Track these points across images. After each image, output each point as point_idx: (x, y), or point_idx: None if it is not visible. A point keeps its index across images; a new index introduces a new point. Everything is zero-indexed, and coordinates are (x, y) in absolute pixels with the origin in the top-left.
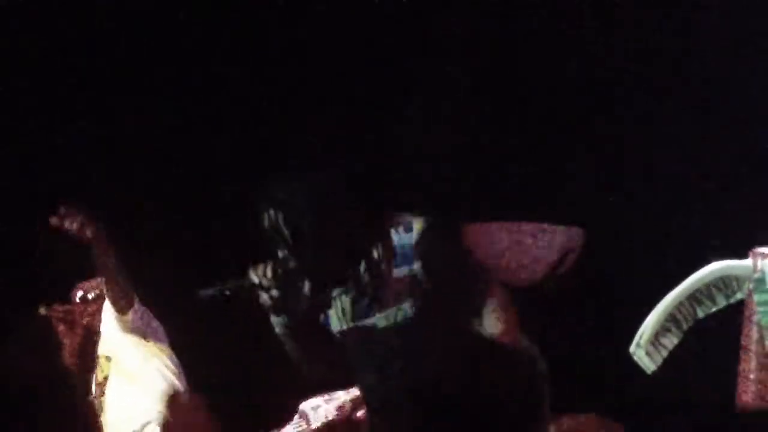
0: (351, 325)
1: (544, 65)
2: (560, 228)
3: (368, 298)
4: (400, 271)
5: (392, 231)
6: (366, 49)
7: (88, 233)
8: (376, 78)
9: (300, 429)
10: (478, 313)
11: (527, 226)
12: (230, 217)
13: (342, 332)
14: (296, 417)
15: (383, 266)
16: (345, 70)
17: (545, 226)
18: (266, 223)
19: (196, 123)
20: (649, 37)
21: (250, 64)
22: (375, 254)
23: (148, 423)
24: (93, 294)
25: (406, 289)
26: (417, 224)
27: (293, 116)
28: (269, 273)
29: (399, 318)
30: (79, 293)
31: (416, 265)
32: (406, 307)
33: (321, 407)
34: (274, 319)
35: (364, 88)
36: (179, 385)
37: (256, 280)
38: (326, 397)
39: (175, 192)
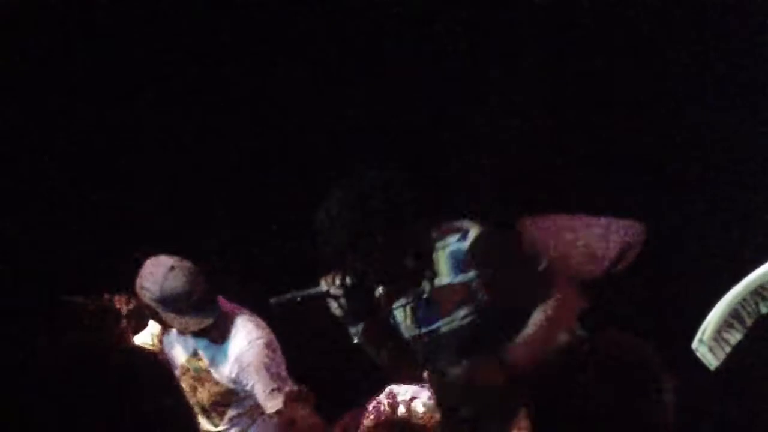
0: (419, 332)
1: (601, 66)
2: (621, 222)
3: (431, 305)
4: (457, 279)
5: (449, 238)
6: (419, 55)
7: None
8: (432, 82)
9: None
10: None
11: (588, 220)
12: (296, 227)
13: (413, 338)
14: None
15: (439, 275)
16: (402, 75)
17: (606, 220)
18: (330, 232)
19: (256, 131)
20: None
21: (306, 75)
22: (434, 262)
23: None
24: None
25: (463, 297)
26: (473, 231)
27: (353, 123)
28: (338, 281)
29: (456, 325)
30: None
31: (471, 273)
32: (464, 314)
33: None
34: (350, 329)
35: (420, 92)
36: None
37: (325, 288)
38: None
39: (241, 201)
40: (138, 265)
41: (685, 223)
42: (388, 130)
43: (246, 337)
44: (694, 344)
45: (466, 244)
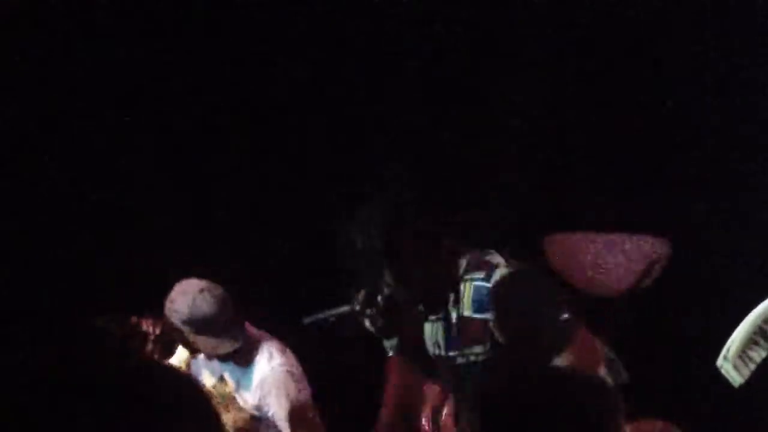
0: (441, 353)
1: (621, 73)
2: (646, 238)
3: (452, 333)
4: (476, 315)
5: (476, 273)
6: (438, 67)
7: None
8: (452, 96)
9: None
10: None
11: (613, 237)
12: (324, 246)
13: (438, 357)
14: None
15: (464, 306)
16: (421, 88)
17: (631, 236)
18: (359, 249)
19: (280, 149)
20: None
21: (329, 89)
22: (461, 292)
23: None
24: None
25: (480, 334)
26: (498, 272)
27: (375, 139)
28: (369, 299)
29: (471, 360)
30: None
31: (489, 314)
32: (479, 351)
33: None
34: (385, 342)
35: (441, 107)
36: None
37: (358, 307)
38: None
39: (269, 220)
40: (167, 288)
41: (711, 240)
42: (409, 140)
43: (269, 363)
44: (719, 361)
45: (489, 284)
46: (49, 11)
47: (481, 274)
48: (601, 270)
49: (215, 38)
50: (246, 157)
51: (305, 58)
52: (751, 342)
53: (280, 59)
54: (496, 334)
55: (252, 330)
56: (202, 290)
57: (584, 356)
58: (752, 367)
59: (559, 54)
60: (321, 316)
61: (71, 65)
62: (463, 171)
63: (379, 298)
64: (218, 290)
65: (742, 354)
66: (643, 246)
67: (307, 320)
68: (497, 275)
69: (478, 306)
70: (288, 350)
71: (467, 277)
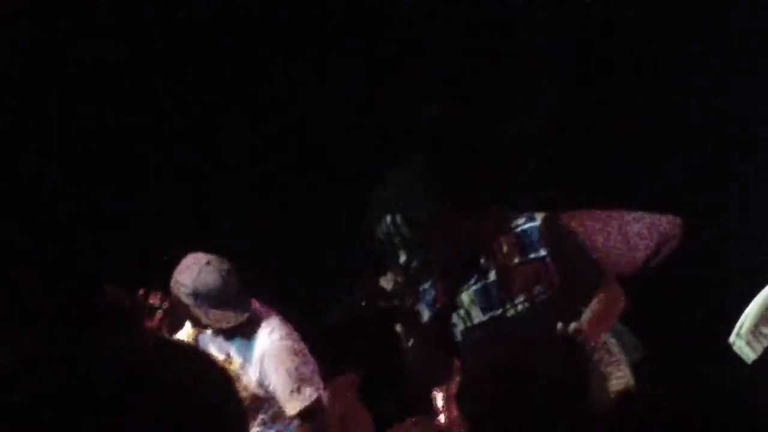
0: (480, 320)
1: (638, 58)
2: (658, 216)
3: (495, 290)
4: (530, 256)
5: (516, 221)
6: (464, 47)
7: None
8: (474, 76)
9: None
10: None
11: (625, 215)
12: (344, 227)
13: (467, 330)
14: None
15: (508, 256)
16: (445, 69)
17: (643, 214)
18: (384, 229)
19: (301, 134)
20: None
21: (354, 66)
22: (498, 246)
23: None
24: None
25: (534, 276)
26: (539, 214)
27: (399, 120)
28: (399, 278)
29: (528, 304)
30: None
31: (543, 251)
32: (538, 291)
33: None
34: (401, 329)
35: (462, 87)
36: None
37: (387, 286)
38: None
39: (289, 206)
40: (174, 263)
41: (723, 218)
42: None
43: (269, 337)
44: (732, 338)
45: (536, 223)
46: (49, 11)
47: (522, 219)
48: (614, 248)
49: (215, 38)
50: (246, 157)
51: (305, 58)
52: (764, 318)
53: (280, 59)
54: (551, 269)
55: (257, 305)
56: (208, 263)
57: (615, 299)
58: (765, 343)
59: (561, 54)
60: (350, 300)
61: (71, 65)
62: (462, 170)
63: (409, 273)
64: (224, 263)
65: (755, 330)
66: (655, 224)
67: (347, 305)
68: (540, 216)
69: (528, 248)
70: (291, 325)
71: (505, 227)
